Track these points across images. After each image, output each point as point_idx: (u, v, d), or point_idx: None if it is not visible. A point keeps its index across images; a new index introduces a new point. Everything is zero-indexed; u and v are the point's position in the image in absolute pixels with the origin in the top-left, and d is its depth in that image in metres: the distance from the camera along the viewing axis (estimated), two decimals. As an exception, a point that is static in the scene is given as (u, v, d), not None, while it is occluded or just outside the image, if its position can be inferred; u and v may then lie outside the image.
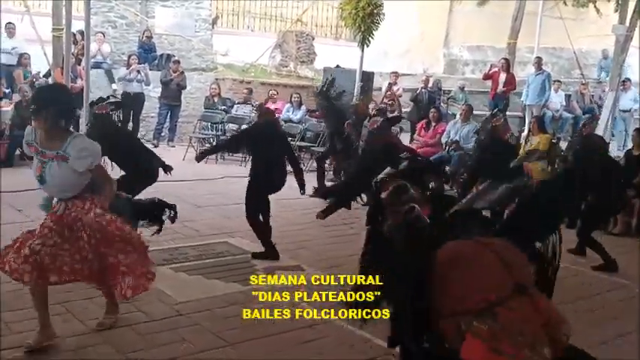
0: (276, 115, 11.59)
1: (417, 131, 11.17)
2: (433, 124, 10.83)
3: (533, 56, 14.89)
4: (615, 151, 11.78)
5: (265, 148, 6.04)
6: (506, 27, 16.61)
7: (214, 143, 10.74)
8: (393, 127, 9.06)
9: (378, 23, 11.37)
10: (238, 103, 12.38)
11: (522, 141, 10.02)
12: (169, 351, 4.02)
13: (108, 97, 6.75)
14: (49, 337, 3.89)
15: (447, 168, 9.71)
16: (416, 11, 17.92)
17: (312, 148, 11.17)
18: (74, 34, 10.53)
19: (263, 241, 6.05)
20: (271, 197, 6.23)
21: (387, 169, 3.57)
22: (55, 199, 3.94)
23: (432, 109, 11.25)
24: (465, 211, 2.98)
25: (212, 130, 11.96)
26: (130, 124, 11.34)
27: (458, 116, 10.97)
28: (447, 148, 10.33)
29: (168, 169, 6.33)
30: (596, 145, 7.39)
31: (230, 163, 10.79)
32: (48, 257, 3.73)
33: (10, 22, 11.72)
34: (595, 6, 15.92)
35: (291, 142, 10.92)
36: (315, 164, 9.88)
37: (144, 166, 6.22)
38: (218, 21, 15.86)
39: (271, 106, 12.05)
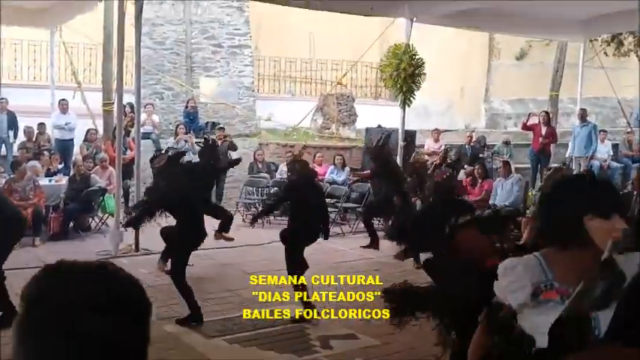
0: (319, 177, 11.74)
1: (463, 188, 11.06)
2: (479, 180, 10.74)
3: (576, 107, 14.72)
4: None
5: (305, 201, 6.26)
6: (547, 78, 16.59)
7: (260, 208, 10.81)
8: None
9: (420, 83, 11.06)
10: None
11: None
12: None
13: (167, 150, 7.07)
14: None
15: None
16: (455, 67, 18.04)
17: (358, 210, 11.13)
18: (124, 107, 10.88)
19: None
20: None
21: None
22: None
23: (477, 165, 11.18)
24: None
25: (258, 195, 12.08)
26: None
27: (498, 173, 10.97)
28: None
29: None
30: None
31: (277, 227, 10.79)
32: None
33: (63, 99, 12.24)
34: (637, 55, 15.77)
35: (337, 204, 11.01)
36: (361, 225, 9.83)
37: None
38: (260, 87, 16.26)
39: (317, 169, 12.16)
